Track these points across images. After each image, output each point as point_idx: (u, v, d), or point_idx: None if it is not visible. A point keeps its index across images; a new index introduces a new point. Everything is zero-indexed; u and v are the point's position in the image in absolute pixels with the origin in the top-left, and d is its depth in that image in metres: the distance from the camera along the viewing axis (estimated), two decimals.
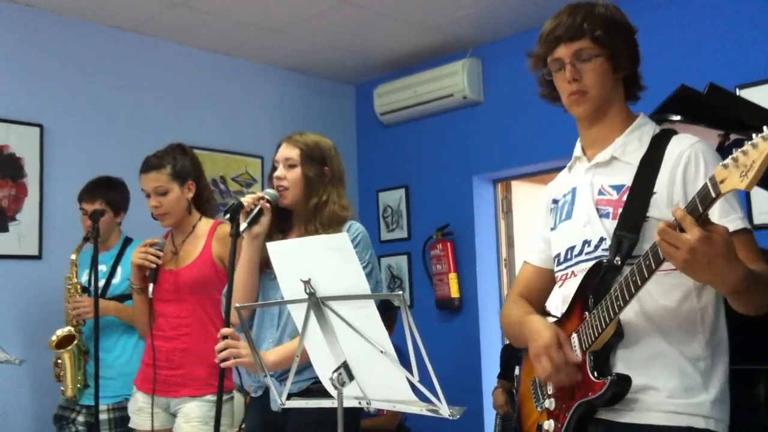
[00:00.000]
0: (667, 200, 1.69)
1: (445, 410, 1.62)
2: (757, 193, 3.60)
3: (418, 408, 1.68)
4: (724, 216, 1.63)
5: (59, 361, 3.33)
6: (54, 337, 3.29)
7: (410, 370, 1.65)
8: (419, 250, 5.16)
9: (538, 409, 1.88)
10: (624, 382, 1.64)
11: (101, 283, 3.36)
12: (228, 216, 2.38)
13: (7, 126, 3.98)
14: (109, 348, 3.27)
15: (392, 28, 4.64)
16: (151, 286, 2.89)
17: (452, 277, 4.91)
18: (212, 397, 2.77)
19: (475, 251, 4.94)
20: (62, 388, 3.34)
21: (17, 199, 4.00)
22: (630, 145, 1.81)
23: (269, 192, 2.46)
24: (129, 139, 4.38)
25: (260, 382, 2.46)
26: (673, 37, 4.04)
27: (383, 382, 1.72)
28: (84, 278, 3.42)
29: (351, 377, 1.70)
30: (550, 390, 1.83)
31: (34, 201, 4.03)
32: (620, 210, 1.74)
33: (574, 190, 1.89)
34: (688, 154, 1.70)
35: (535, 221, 2.08)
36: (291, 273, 1.73)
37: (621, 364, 1.69)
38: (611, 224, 1.74)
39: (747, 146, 1.33)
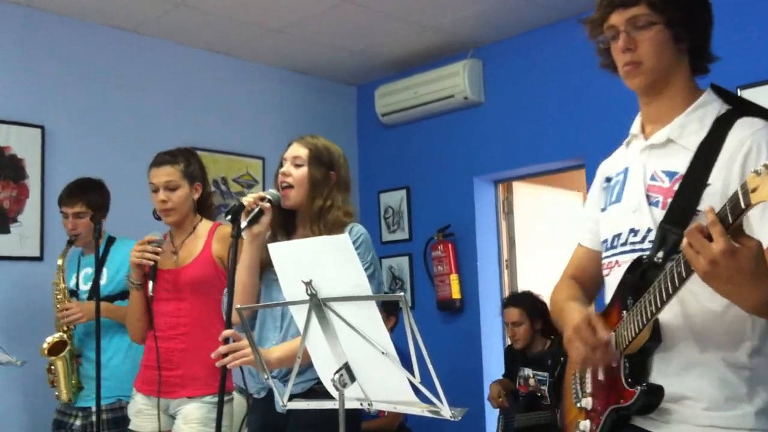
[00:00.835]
0: (721, 194, 1.50)
1: (446, 411, 1.61)
2: None
3: (420, 409, 1.68)
4: None
5: (52, 367, 3.33)
6: (45, 344, 3.28)
7: (411, 371, 1.65)
8: (420, 251, 5.16)
9: (577, 405, 1.78)
10: (655, 393, 1.53)
11: (88, 286, 3.37)
12: (229, 217, 2.38)
13: (8, 127, 3.98)
14: (102, 349, 3.26)
15: (393, 28, 4.64)
16: (150, 284, 2.86)
17: (453, 278, 4.91)
18: (212, 399, 2.77)
19: (477, 252, 4.94)
20: (56, 393, 3.34)
21: (18, 200, 4.00)
22: (689, 127, 1.63)
23: (271, 192, 2.45)
24: (130, 140, 4.38)
25: (263, 383, 2.45)
26: None
27: (385, 383, 1.72)
28: (72, 282, 3.42)
29: (352, 378, 1.70)
30: (588, 388, 1.73)
31: (35, 202, 4.03)
32: (670, 200, 1.58)
33: (626, 171, 1.75)
34: (750, 142, 1.52)
35: (588, 200, 1.93)
36: (292, 274, 1.73)
37: (657, 371, 1.57)
38: (660, 214, 1.59)
39: None
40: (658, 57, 1.63)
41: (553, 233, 5.30)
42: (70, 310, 3.26)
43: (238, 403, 3.15)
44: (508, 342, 4.53)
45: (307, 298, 1.69)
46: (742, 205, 1.25)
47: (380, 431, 4.32)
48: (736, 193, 1.27)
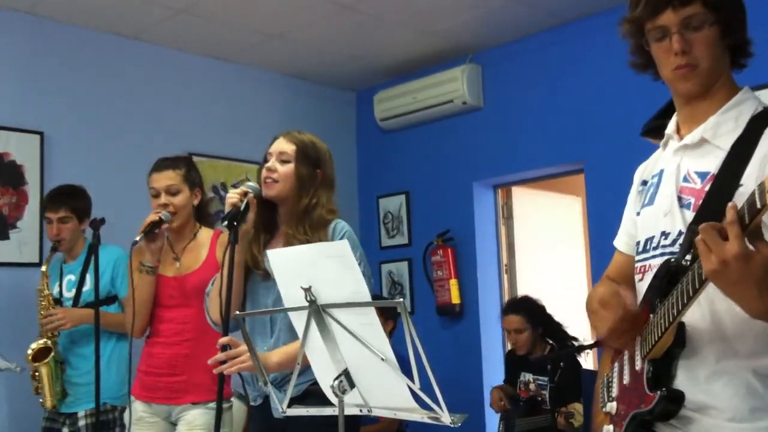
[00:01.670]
0: None
1: (446, 417, 1.61)
2: None
3: (419, 415, 1.67)
4: None
5: (36, 374, 3.33)
6: (30, 351, 3.28)
7: (411, 377, 1.65)
8: (420, 256, 5.16)
9: (604, 410, 1.72)
10: (675, 399, 1.47)
11: (71, 293, 3.36)
12: (226, 223, 2.36)
13: (7, 133, 3.98)
14: (86, 355, 3.25)
15: (392, 34, 4.65)
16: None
17: (453, 283, 4.90)
18: (216, 405, 2.76)
19: (476, 257, 4.94)
20: (41, 399, 3.33)
21: (18, 206, 4.00)
22: (724, 126, 1.56)
23: (251, 185, 2.38)
24: (129, 146, 4.38)
25: (259, 390, 2.44)
26: None
27: (384, 390, 1.71)
28: (55, 290, 3.42)
29: (352, 384, 1.70)
30: (614, 392, 1.67)
31: (34, 208, 4.03)
32: (701, 201, 1.52)
33: (661, 173, 1.67)
34: None
35: (624, 203, 1.87)
36: (291, 280, 1.72)
37: (682, 377, 1.51)
38: (692, 216, 1.52)
39: None
40: (713, 59, 1.56)
41: (552, 238, 5.30)
42: (55, 316, 3.25)
43: (237, 409, 3.15)
44: (509, 347, 4.53)
45: (307, 304, 1.68)
46: (758, 205, 1.21)
47: None
48: (753, 193, 1.23)
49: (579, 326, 4.14)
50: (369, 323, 1.65)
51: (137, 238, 2.80)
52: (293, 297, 1.73)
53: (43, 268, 3.40)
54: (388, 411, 1.76)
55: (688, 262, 1.46)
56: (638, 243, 1.70)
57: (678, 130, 1.67)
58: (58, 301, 3.39)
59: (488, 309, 4.91)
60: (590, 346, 3.89)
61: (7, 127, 3.99)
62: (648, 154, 1.82)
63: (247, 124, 4.97)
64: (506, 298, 4.95)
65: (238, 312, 1.97)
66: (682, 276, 1.44)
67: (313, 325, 1.70)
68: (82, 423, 3.22)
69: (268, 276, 2.33)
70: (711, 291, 1.37)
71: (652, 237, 1.64)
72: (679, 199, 1.58)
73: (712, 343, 1.49)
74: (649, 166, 1.79)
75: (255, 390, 2.47)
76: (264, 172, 2.41)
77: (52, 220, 3.39)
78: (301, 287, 1.67)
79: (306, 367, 2.02)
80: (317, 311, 1.68)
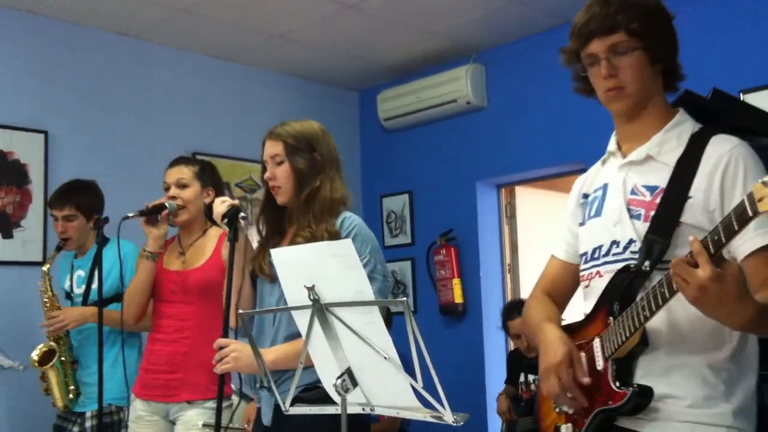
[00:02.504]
0: (702, 206, 1.62)
1: (449, 417, 1.61)
2: None
3: (422, 414, 1.67)
4: (760, 227, 1.54)
5: (44, 375, 3.32)
6: (34, 356, 3.26)
7: (414, 376, 1.65)
8: (423, 256, 5.16)
9: (556, 410, 1.82)
10: (646, 394, 1.61)
11: (81, 289, 3.35)
12: (226, 221, 2.36)
13: (11, 132, 3.99)
14: (93, 354, 3.25)
15: (395, 33, 4.65)
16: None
17: (456, 283, 4.90)
18: (213, 404, 2.75)
19: (479, 256, 4.94)
20: (52, 400, 3.33)
21: (22, 205, 4.00)
22: (667, 144, 1.72)
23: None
24: (132, 145, 4.39)
25: (257, 393, 2.41)
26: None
27: (387, 389, 1.71)
28: (66, 285, 3.41)
29: (355, 383, 1.70)
30: (570, 393, 1.77)
31: (38, 207, 4.03)
32: (653, 213, 1.67)
33: (605, 186, 1.82)
34: (728, 158, 1.62)
35: (562, 215, 2.01)
36: (295, 279, 1.72)
37: (642, 372, 1.65)
38: (642, 226, 1.68)
39: None
40: (639, 80, 1.71)
41: (555, 238, 5.28)
42: (56, 318, 3.23)
43: (240, 408, 3.14)
44: (511, 347, 4.52)
45: (310, 303, 1.69)
46: (750, 213, 1.33)
47: None
48: (742, 203, 1.35)
49: None
50: (372, 322, 1.65)
51: (129, 214, 2.82)
52: (297, 296, 1.73)
53: (45, 268, 3.37)
54: (391, 410, 1.76)
55: (648, 268, 1.62)
56: (585, 253, 1.84)
57: (619, 148, 1.82)
58: (69, 297, 3.39)
59: (491, 308, 4.90)
60: None
61: (11, 126, 4.00)
62: None
63: (250, 123, 4.97)
64: (509, 297, 4.95)
65: (241, 311, 1.97)
66: (641, 281, 1.62)
67: (317, 324, 1.71)
68: (88, 424, 3.21)
69: (274, 280, 2.27)
70: (671, 302, 1.53)
71: (601, 246, 1.77)
72: (629, 210, 1.72)
73: (671, 342, 1.64)
74: (589, 180, 1.93)
75: (252, 390, 2.45)
76: (268, 183, 2.36)
77: (57, 218, 3.38)
78: (305, 286, 1.67)
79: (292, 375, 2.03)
80: (320, 310, 1.68)
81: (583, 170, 5.35)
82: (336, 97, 5.51)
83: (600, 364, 1.68)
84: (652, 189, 1.70)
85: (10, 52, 4.06)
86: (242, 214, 2.35)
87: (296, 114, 5.19)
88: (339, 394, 1.69)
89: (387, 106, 5.27)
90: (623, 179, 1.76)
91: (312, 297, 1.67)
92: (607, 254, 1.75)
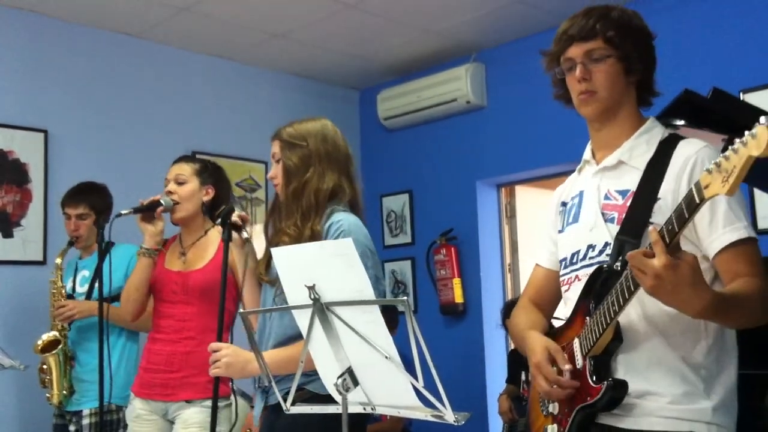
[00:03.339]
0: (671, 206, 1.64)
1: (450, 416, 1.61)
2: (761, 197, 3.60)
3: (423, 414, 1.67)
4: (729, 224, 1.63)
5: (44, 366, 3.34)
6: (39, 342, 3.31)
7: (415, 376, 1.65)
8: (423, 255, 5.16)
9: (544, 413, 1.87)
10: (620, 387, 1.65)
11: (85, 288, 3.39)
12: (219, 221, 2.37)
13: (11, 132, 3.99)
14: (94, 351, 3.25)
15: (395, 33, 4.65)
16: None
17: (456, 282, 4.90)
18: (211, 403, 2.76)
19: (479, 256, 4.94)
20: (47, 395, 3.34)
21: (22, 204, 4.01)
22: (637, 149, 1.79)
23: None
24: (133, 144, 4.39)
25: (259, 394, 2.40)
26: (676, 41, 4.04)
27: (388, 388, 1.71)
28: (69, 285, 3.45)
29: (356, 383, 1.70)
30: (555, 384, 1.81)
31: (38, 207, 4.04)
32: (624, 215, 1.73)
33: (581, 194, 1.89)
34: (694, 159, 1.69)
35: (542, 223, 2.07)
36: (295, 278, 1.73)
37: (622, 369, 1.69)
38: (616, 229, 1.74)
39: (729, 151, 1.34)
40: (610, 87, 1.78)
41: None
42: (65, 307, 3.29)
43: (241, 408, 3.13)
44: (512, 346, 4.53)
45: (311, 302, 1.69)
46: (697, 200, 1.40)
47: None
48: (690, 191, 1.42)
49: None
50: (373, 321, 1.65)
51: (123, 211, 2.84)
52: (297, 295, 1.73)
53: (58, 261, 3.45)
54: (392, 409, 1.76)
55: (619, 267, 1.67)
56: (564, 259, 1.90)
57: (593, 156, 1.89)
58: (71, 297, 3.42)
59: (491, 308, 4.91)
60: None
61: (11, 125, 4.00)
62: None
63: (251, 123, 4.98)
64: (509, 297, 4.95)
65: (242, 310, 1.97)
66: (615, 279, 1.64)
67: (317, 323, 1.71)
68: (86, 422, 3.22)
69: (274, 283, 2.27)
70: (642, 296, 1.56)
71: (579, 251, 1.83)
72: (603, 214, 1.79)
73: (647, 339, 1.69)
74: (566, 189, 2.00)
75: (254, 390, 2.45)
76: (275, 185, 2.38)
77: (70, 216, 3.46)
78: (305, 285, 1.67)
79: (285, 377, 2.03)
80: (321, 309, 1.68)
81: None
82: (336, 97, 5.51)
83: (579, 362, 1.73)
84: (624, 193, 1.77)
85: (10, 51, 4.06)
86: (245, 234, 2.39)
87: (296, 113, 5.20)
88: (340, 393, 1.69)
89: (387, 105, 5.27)
90: (597, 185, 1.83)
91: (313, 296, 1.67)
92: (584, 258, 1.82)
